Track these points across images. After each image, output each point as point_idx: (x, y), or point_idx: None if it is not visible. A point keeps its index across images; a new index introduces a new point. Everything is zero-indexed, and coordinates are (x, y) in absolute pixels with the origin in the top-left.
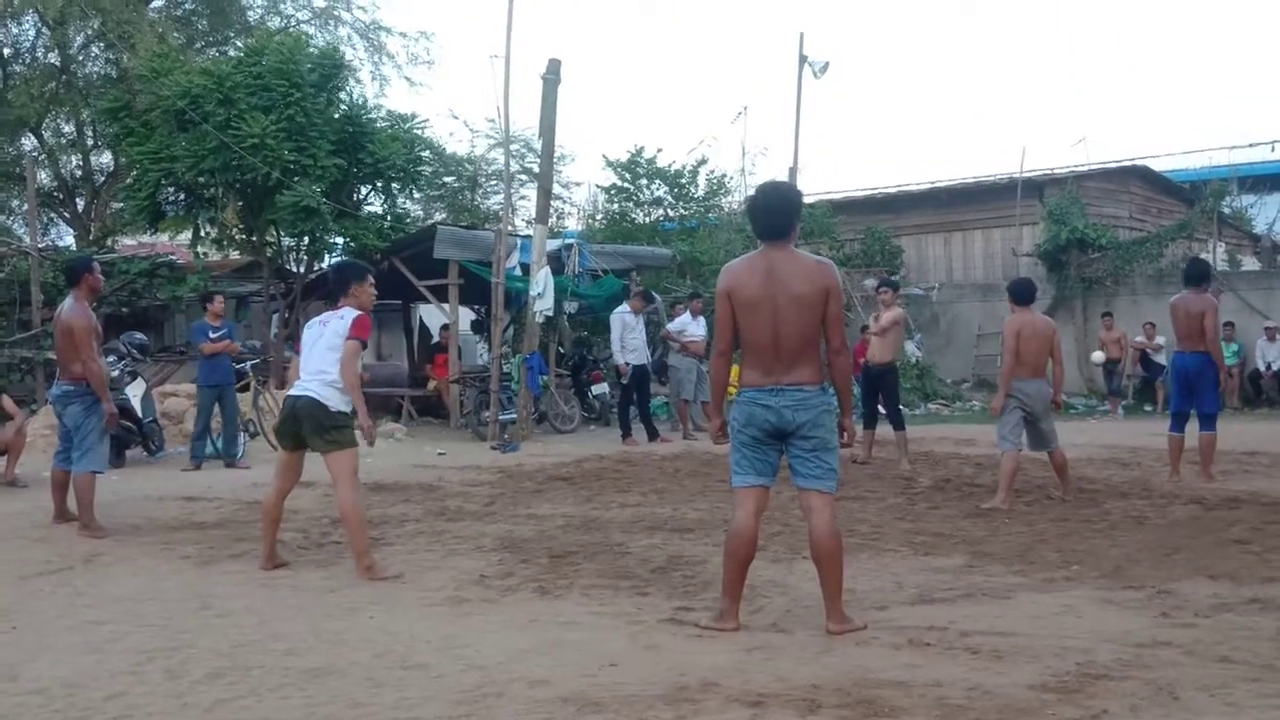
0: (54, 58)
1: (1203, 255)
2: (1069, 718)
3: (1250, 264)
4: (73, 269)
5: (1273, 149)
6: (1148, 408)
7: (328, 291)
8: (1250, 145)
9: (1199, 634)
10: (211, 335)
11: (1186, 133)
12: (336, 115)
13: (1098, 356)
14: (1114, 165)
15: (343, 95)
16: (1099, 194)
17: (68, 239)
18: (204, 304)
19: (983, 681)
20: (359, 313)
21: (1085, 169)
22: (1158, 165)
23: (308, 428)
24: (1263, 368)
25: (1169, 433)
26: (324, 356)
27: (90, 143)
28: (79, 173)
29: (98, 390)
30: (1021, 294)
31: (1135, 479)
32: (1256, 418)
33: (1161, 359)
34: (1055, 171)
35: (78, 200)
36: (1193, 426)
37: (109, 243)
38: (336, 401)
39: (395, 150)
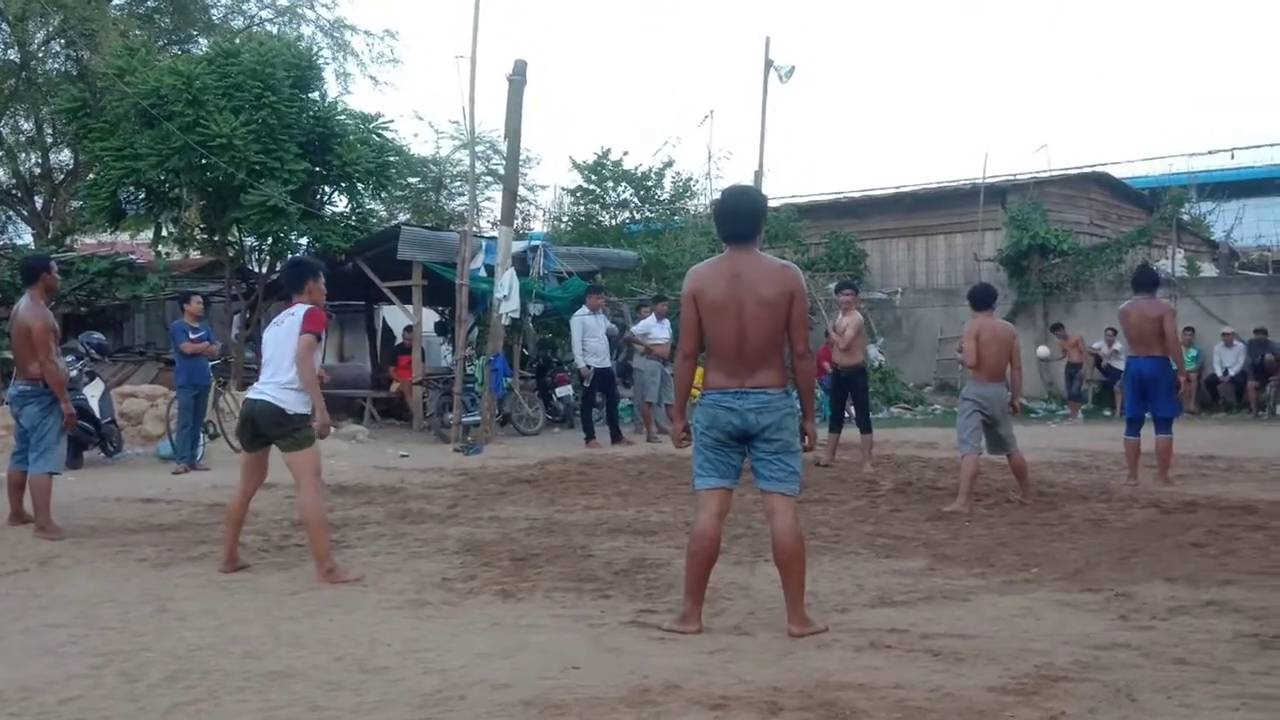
0: (13, 54)
1: (1162, 261)
2: (1028, 719)
3: (1208, 270)
4: (30, 268)
5: (1231, 156)
6: (1106, 412)
7: (284, 292)
8: (1209, 153)
9: (1156, 636)
10: (191, 336)
11: (1146, 140)
12: (304, 119)
13: (1043, 351)
14: (1075, 171)
15: (314, 96)
16: (1060, 200)
17: (26, 237)
18: (181, 304)
19: (943, 683)
20: (310, 306)
21: (1047, 175)
22: (1118, 172)
23: (266, 431)
24: (1219, 373)
25: (1125, 438)
26: (280, 358)
27: (49, 140)
28: (38, 170)
29: (56, 391)
30: (981, 299)
31: (1094, 483)
32: (1213, 422)
33: (1119, 364)
34: (1017, 177)
35: (36, 198)
36: (1148, 431)
37: (68, 241)
38: (294, 404)
39: (363, 154)
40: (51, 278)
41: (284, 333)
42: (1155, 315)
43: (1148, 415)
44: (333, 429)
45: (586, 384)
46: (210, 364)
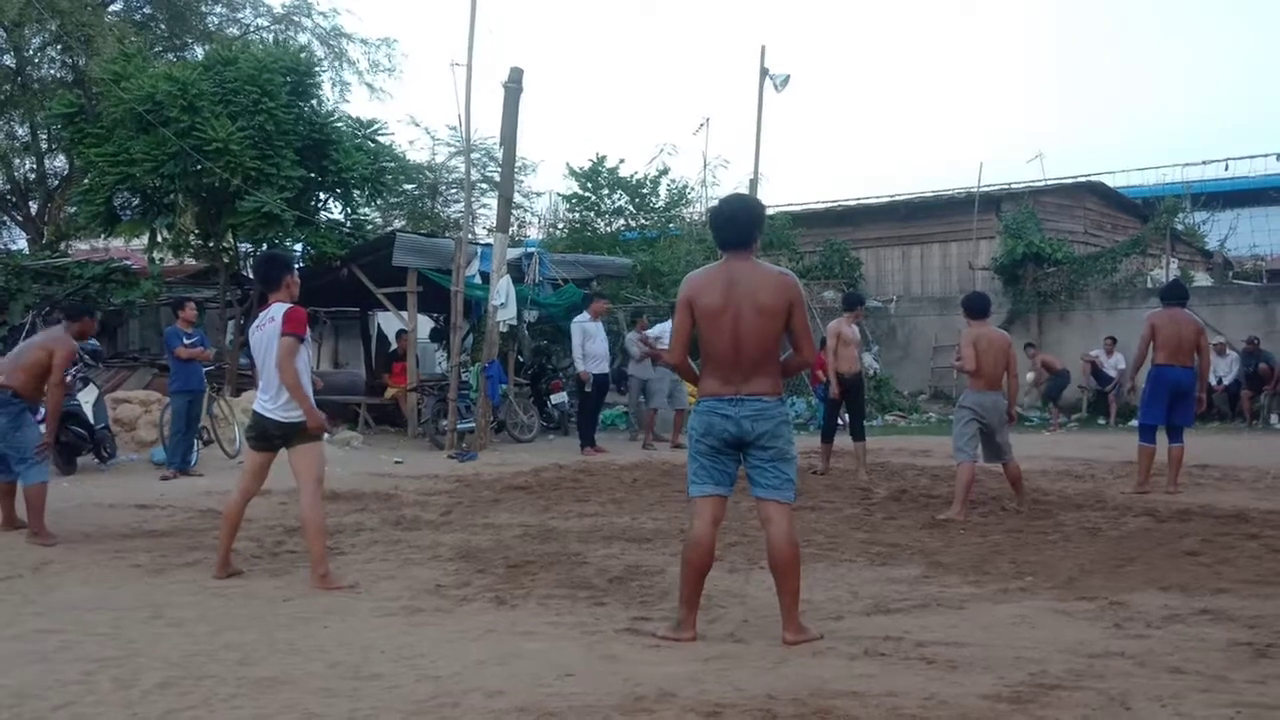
0: (9, 59)
1: (1155, 271)
2: None
3: (1202, 280)
4: (74, 308)
5: (1225, 166)
6: (1100, 420)
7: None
8: (1203, 163)
9: (1151, 645)
10: (186, 341)
11: (1141, 150)
12: (301, 126)
13: (1030, 377)
14: (1069, 181)
15: (312, 103)
16: (1055, 209)
17: (20, 242)
18: (176, 310)
19: (938, 691)
20: (289, 306)
21: (1041, 184)
22: (1112, 181)
23: (279, 435)
24: (1214, 382)
25: (1141, 444)
26: (272, 371)
27: (44, 146)
28: (32, 175)
29: (51, 417)
30: (976, 308)
31: (1089, 491)
32: (1207, 431)
33: (1111, 372)
34: (1012, 186)
35: (31, 203)
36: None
37: (62, 246)
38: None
39: (359, 160)
40: (91, 322)
41: (268, 339)
42: (1197, 329)
43: (1161, 425)
44: (327, 435)
45: (587, 389)
46: (205, 370)
